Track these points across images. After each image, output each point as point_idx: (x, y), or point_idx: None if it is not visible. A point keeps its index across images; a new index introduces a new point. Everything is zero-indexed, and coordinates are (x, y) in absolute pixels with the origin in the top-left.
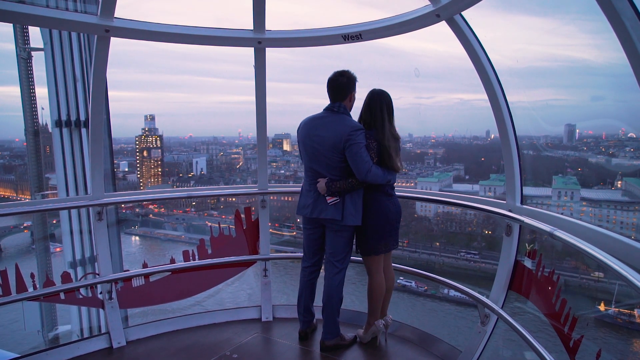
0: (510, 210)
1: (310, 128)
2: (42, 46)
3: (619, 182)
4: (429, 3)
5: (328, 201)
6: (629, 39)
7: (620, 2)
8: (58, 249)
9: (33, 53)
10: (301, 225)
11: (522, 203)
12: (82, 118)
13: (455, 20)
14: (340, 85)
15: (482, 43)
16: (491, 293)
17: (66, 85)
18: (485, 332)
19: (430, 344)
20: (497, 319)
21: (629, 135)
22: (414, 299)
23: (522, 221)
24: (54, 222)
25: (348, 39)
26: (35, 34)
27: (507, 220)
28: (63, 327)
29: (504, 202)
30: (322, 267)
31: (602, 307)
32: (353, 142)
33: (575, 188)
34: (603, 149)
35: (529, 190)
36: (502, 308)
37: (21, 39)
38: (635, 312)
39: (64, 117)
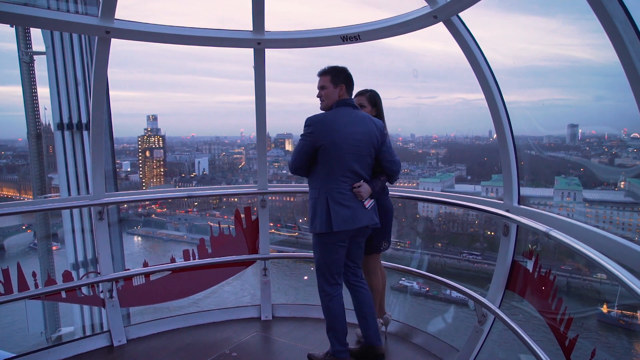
0: (507, 211)
1: (344, 125)
2: (44, 49)
3: (622, 183)
4: (426, 4)
5: (366, 205)
6: (621, 41)
7: (612, 4)
8: (55, 247)
9: (35, 56)
10: (329, 240)
11: (519, 203)
12: (84, 121)
13: (452, 22)
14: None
15: (479, 44)
16: (488, 292)
17: (68, 88)
18: (482, 331)
19: (428, 343)
20: (495, 318)
21: (631, 136)
22: (416, 300)
23: (519, 221)
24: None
25: (347, 40)
26: (37, 37)
27: (505, 220)
28: (66, 328)
29: (502, 202)
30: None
31: (604, 309)
32: (385, 136)
33: (578, 189)
34: (606, 149)
35: (531, 191)
36: (499, 307)
37: (23, 42)
38: (638, 314)
39: (65, 120)
